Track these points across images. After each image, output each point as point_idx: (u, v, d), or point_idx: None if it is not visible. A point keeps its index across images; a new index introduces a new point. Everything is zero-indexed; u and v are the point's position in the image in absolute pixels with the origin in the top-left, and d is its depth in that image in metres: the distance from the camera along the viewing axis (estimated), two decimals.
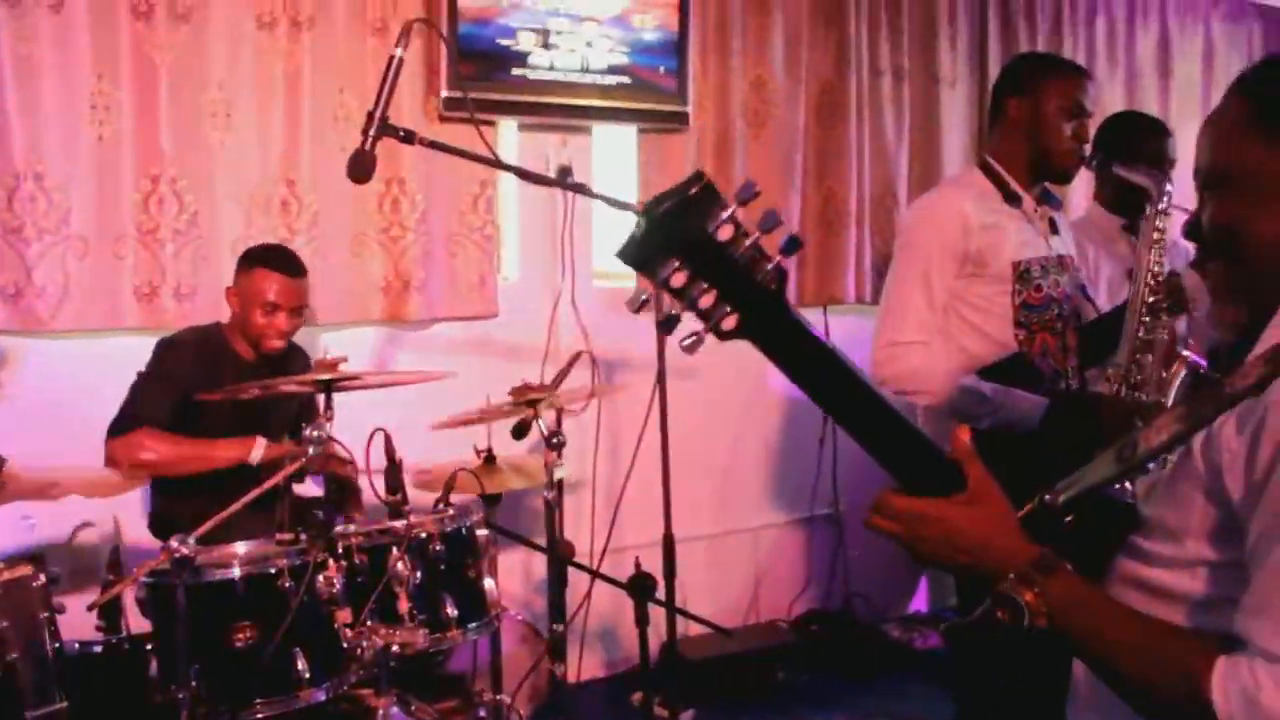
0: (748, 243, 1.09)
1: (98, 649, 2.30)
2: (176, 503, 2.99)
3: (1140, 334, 2.52)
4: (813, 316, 4.44)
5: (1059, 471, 1.46)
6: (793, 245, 1.12)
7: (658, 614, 2.66)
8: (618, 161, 4.09)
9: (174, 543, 2.06)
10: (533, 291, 4.00)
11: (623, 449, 3.84)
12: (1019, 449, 2.42)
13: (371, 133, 2.20)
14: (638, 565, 2.62)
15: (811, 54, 4.32)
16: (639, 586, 2.58)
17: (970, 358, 2.63)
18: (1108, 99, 4.87)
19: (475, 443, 3.15)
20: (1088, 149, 2.69)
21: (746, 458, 4.45)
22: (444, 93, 3.59)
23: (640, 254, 1.08)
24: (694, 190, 1.07)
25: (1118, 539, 1.32)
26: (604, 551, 2.99)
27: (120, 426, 2.92)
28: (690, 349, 1.12)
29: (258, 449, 2.87)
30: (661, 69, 3.93)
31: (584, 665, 3.90)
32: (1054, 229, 2.73)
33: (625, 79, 3.88)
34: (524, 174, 2.49)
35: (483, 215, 3.79)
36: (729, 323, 1.10)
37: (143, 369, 3.01)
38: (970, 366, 2.62)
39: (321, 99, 3.53)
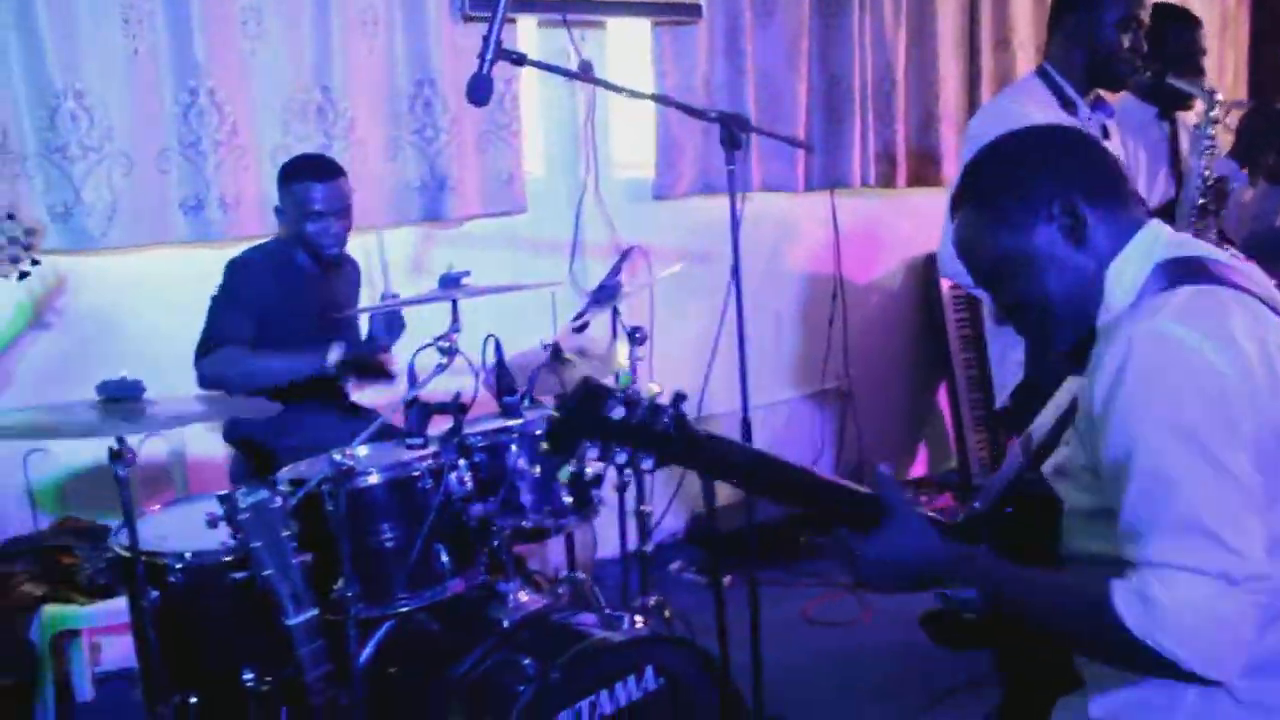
0: (640, 409, 1.43)
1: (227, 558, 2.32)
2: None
3: (1190, 233, 2.73)
4: (820, 200, 4.61)
5: None
6: (678, 399, 1.46)
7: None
8: (633, 56, 4.14)
9: (336, 455, 2.18)
10: (557, 185, 4.09)
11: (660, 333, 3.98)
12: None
13: (489, 56, 2.28)
14: None
15: None
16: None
17: None
18: None
19: (539, 336, 3.27)
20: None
21: (761, 338, 4.63)
22: None
23: (560, 446, 1.50)
24: (581, 397, 1.44)
25: (1050, 523, 1.55)
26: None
27: (206, 349, 3.00)
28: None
29: (333, 352, 2.97)
30: None
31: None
32: (1105, 134, 2.90)
33: None
34: (612, 87, 2.58)
35: (509, 112, 3.84)
36: (647, 464, 1.46)
37: (215, 293, 3.06)
38: None
39: (348, 2, 3.52)
